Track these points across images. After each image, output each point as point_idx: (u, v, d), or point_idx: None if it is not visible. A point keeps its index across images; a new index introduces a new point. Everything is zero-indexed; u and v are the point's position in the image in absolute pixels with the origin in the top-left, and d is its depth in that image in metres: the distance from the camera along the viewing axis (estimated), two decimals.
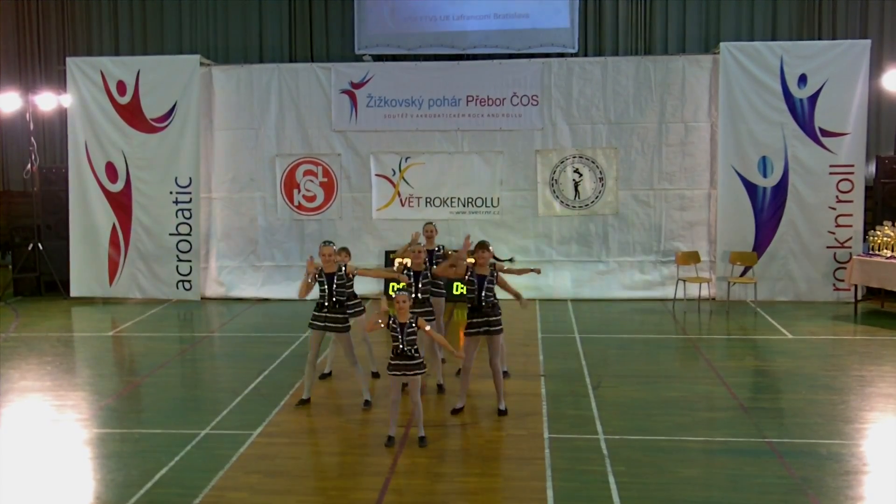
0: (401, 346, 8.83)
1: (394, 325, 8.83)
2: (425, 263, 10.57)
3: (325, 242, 10.04)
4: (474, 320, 9.77)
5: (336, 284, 9.87)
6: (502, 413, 9.79)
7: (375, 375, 11.25)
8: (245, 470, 8.31)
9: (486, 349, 9.89)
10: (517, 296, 9.90)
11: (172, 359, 12.73)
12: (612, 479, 7.94)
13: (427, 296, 10.59)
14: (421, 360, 8.95)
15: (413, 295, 10.24)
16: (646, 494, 7.64)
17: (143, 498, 7.70)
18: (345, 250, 10.81)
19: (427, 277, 10.57)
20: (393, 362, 8.91)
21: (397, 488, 7.86)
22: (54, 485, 8.10)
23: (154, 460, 8.52)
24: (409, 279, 10.18)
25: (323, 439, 9.30)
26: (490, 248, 9.97)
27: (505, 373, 11.03)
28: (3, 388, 11.12)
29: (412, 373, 8.88)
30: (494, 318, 9.76)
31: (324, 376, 11.23)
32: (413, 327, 8.83)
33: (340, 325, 10.02)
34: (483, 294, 9.70)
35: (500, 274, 9.98)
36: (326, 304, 9.94)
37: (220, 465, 8.37)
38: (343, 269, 9.94)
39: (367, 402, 10.14)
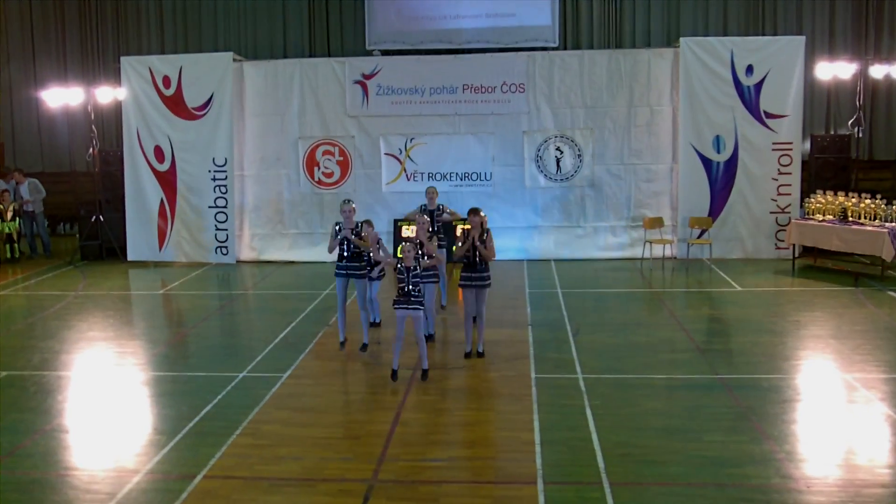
0: (406, 287, 8.88)
1: (400, 268, 8.88)
2: (416, 259, 10.43)
3: (345, 201, 10.10)
4: (467, 274, 9.75)
5: (353, 242, 9.90)
6: (480, 355, 9.78)
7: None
8: (277, 406, 8.37)
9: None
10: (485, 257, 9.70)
11: (213, 313, 12.78)
12: (588, 412, 8.00)
13: (440, 225, 11.05)
14: (422, 300, 8.97)
15: (430, 230, 10.35)
16: (617, 423, 7.69)
17: (192, 429, 7.78)
18: (368, 222, 10.82)
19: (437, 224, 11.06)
20: (398, 299, 8.96)
21: (406, 421, 7.91)
22: (119, 418, 8.18)
23: (200, 398, 8.59)
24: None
25: (342, 380, 9.35)
26: (481, 212, 9.91)
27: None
28: (73, 338, 11.19)
29: (413, 307, 8.90)
30: (485, 275, 9.73)
31: (374, 325, 11.21)
32: (416, 270, 8.87)
33: (359, 273, 10.02)
34: (477, 252, 9.66)
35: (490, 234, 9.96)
36: (346, 254, 9.95)
37: (255, 403, 8.43)
38: (359, 226, 9.92)
39: (364, 346, 10.08)
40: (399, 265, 8.91)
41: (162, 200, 16.73)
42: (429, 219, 10.34)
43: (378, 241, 10.37)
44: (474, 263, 9.71)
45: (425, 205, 12.05)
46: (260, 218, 17.09)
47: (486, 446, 7.37)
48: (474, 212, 9.79)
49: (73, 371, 9.80)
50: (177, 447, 7.38)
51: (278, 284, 14.82)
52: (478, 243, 9.62)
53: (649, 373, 9.22)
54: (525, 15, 17.63)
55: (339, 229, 9.94)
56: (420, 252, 9.18)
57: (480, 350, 9.86)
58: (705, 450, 7.08)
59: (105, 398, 8.79)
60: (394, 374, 8.99)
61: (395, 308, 9.02)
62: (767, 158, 15.68)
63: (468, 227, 9.80)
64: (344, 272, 10.06)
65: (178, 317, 12.95)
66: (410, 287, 8.89)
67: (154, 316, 12.85)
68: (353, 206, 10.07)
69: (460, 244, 9.81)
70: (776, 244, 15.78)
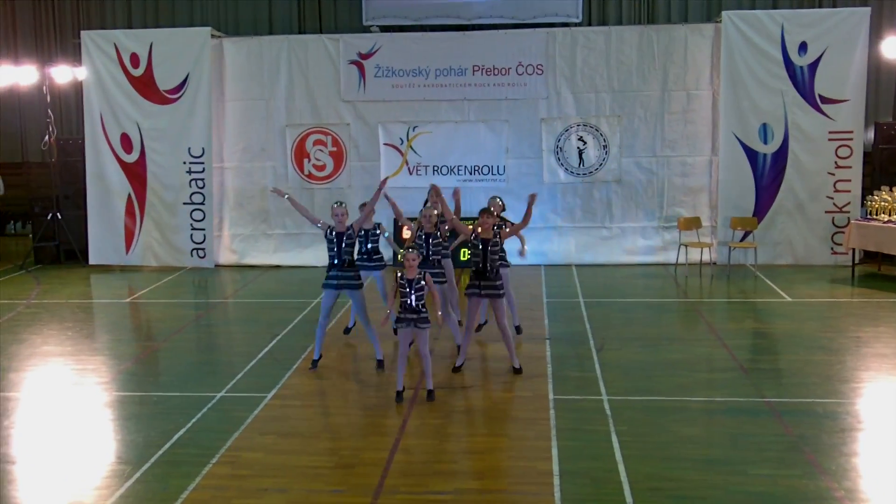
0: (409, 301, 8.91)
1: (402, 281, 8.91)
2: (436, 226, 10.53)
3: (337, 203, 10.04)
4: (475, 282, 9.73)
5: (345, 244, 9.88)
6: (517, 371, 9.83)
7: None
8: (260, 431, 8.37)
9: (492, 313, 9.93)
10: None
11: (188, 324, 12.79)
12: (614, 439, 7.97)
13: (438, 257, 10.54)
14: (427, 315, 9.01)
15: (424, 255, 10.28)
16: (648, 453, 7.66)
17: (162, 458, 7.76)
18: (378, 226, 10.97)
19: (437, 238, 10.49)
20: (401, 315, 9.00)
21: (407, 448, 7.90)
22: (77, 446, 8.17)
23: (172, 422, 8.58)
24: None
25: (334, 401, 9.34)
26: (493, 211, 9.93)
27: (518, 328, 11.09)
28: (25, 353, 11.19)
29: (419, 325, 8.96)
30: (497, 283, 9.71)
31: (347, 330, 11.30)
32: (421, 283, 8.90)
33: (354, 284, 10.02)
34: (488, 259, 9.64)
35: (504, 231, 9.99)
36: (338, 261, 9.93)
37: (235, 427, 8.42)
38: (350, 228, 9.95)
39: (379, 363, 10.13)
40: (401, 277, 8.92)
41: (129, 196, 16.77)
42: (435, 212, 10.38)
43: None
44: (484, 270, 9.68)
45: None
46: (242, 216, 17.12)
47: (498, 477, 7.35)
48: (486, 213, 9.76)
49: (23, 392, 9.80)
50: (144, 478, 7.35)
51: (262, 292, 14.84)
52: (504, 229, 10.00)
53: (684, 395, 9.19)
54: None
55: (330, 232, 9.92)
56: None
57: (517, 366, 9.89)
58: (750, 485, 7.04)
59: (60, 423, 8.77)
60: (398, 395, 9.03)
61: (399, 326, 9.08)
62: (823, 150, 15.64)
63: (479, 225, 9.77)
64: (335, 283, 9.99)
65: (148, 329, 12.97)
66: (414, 300, 8.90)
67: (119, 328, 12.87)
68: (346, 207, 10.03)
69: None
70: (832, 248, 15.74)
